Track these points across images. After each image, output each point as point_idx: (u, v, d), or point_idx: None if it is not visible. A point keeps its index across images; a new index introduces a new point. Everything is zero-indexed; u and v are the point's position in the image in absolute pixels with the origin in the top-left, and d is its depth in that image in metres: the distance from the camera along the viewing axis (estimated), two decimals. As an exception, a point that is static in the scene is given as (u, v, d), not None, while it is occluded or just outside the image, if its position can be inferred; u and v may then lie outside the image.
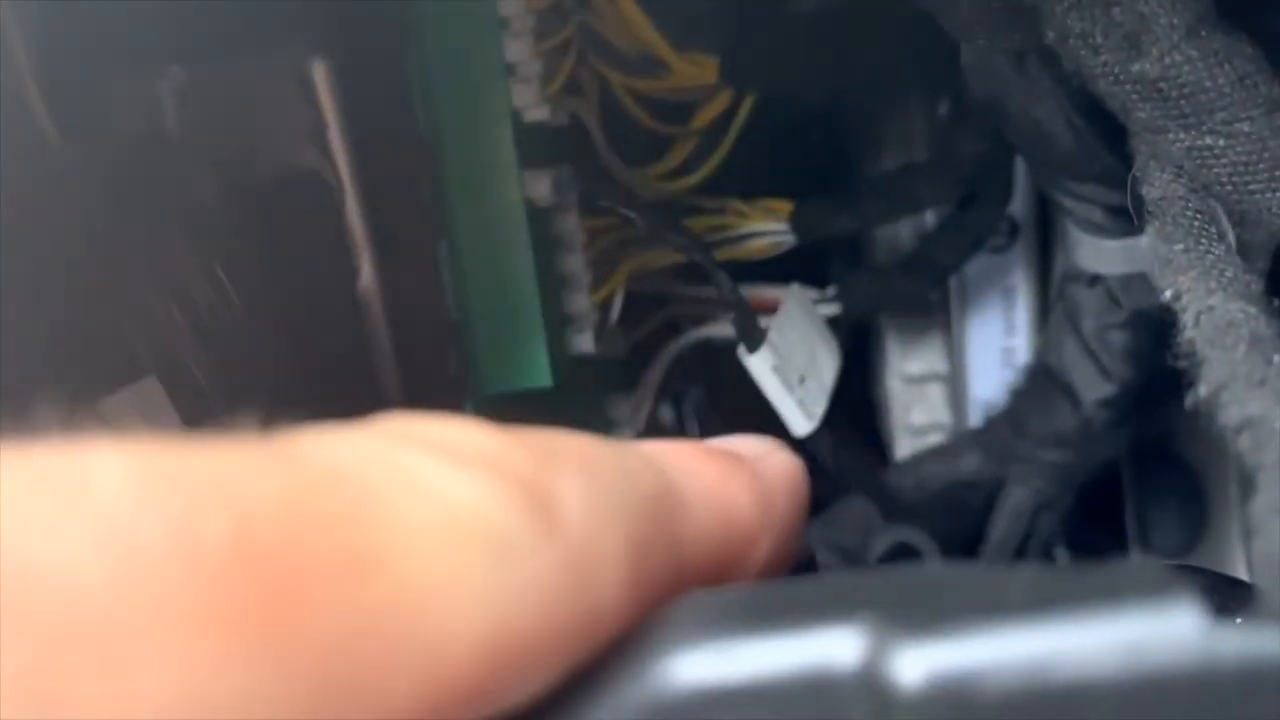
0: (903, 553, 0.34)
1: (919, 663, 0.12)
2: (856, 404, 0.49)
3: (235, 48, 0.30)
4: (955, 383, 0.43)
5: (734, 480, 0.15)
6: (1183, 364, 0.18)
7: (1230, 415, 0.16)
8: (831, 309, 0.38)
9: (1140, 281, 0.31)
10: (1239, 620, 0.12)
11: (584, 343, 0.35)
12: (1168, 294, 0.19)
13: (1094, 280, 0.32)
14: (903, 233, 0.40)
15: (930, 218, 0.39)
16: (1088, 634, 0.12)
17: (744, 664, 0.11)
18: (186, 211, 0.28)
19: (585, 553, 0.12)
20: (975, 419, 0.42)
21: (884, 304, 0.38)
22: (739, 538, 0.15)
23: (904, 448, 0.44)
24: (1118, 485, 0.42)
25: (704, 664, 0.11)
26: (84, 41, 0.27)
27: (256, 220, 0.30)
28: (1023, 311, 0.42)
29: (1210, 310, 0.18)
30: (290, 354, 0.31)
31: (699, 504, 0.14)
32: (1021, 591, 0.12)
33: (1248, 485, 0.15)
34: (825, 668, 0.11)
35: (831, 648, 0.11)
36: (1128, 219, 0.30)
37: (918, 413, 0.44)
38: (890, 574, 0.13)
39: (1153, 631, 0.11)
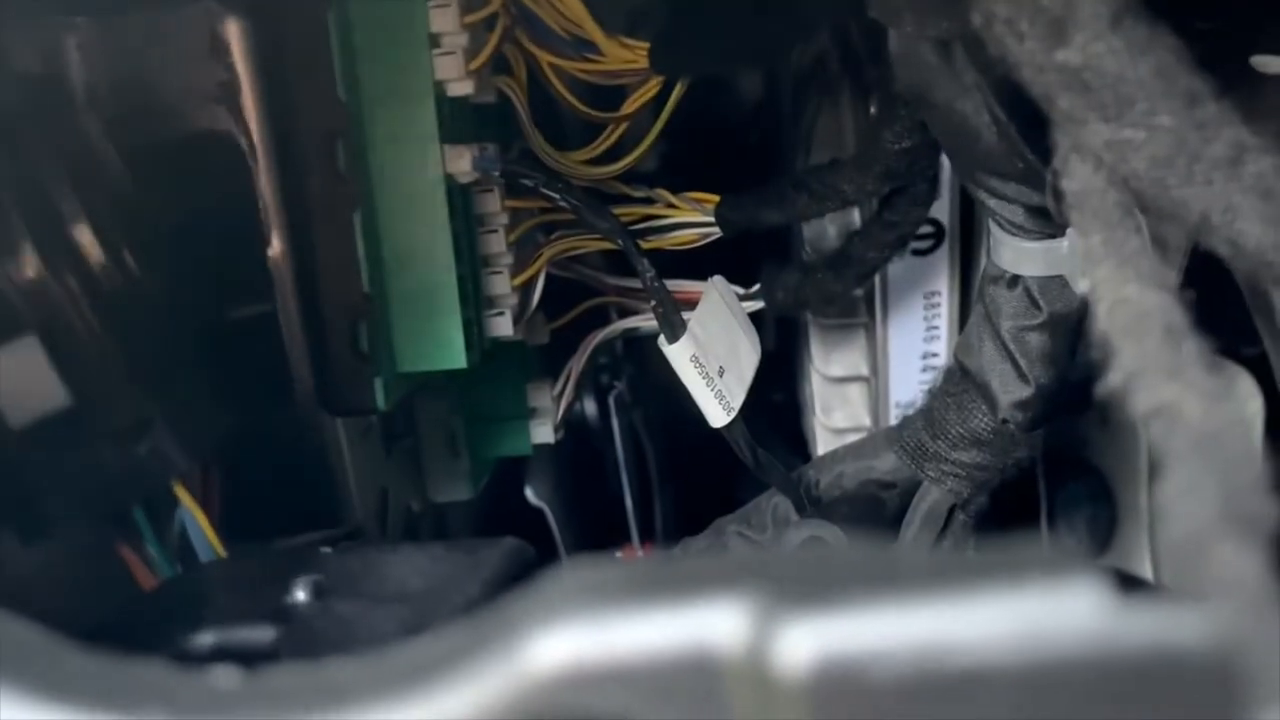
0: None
1: (807, 642, 0.11)
2: (780, 404, 0.49)
3: (146, 0, 0.29)
4: (875, 386, 0.43)
5: None
6: (1095, 355, 0.18)
7: (1142, 403, 0.16)
8: (757, 306, 0.38)
9: (1059, 284, 0.31)
10: (1141, 600, 0.11)
11: (503, 325, 0.35)
12: (1084, 285, 0.19)
13: (1014, 281, 0.32)
14: (830, 231, 0.40)
15: (856, 217, 0.39)
16: (986, 614, 0.11)
17: (613, 640, 0.11)
18: (83, 167, 0.27)
19: None
20: (894, 422, 0.42)
21: (808, 301, 0.38)
22: None
23: (825, 448, 0.44)
24: (1031, 490, 0.42)
25: (571, 640, 0.11)
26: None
27: (161, 181, 0.29)
28: (944, 317, 0.42)
29: (1124, 301, 0.18)
30: (192, 323, 0.30)
31: None
32: (918, 570, 0.12)
33: (1155, 472, 0.15)
34: (702, 645, 0.11)
35: (710, 624, 0.11)
36: (1048, 220, 0.30)
37: (839, 414, 0.44)
38: (781, 550, 0.12)
39: (1053, 611, 0.11)
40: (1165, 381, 0.16)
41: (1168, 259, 0.19)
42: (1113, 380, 0.17)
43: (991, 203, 0.30)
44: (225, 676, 0.15)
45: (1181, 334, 0.17)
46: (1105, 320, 0.18)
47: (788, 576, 0.12)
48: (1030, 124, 0.25)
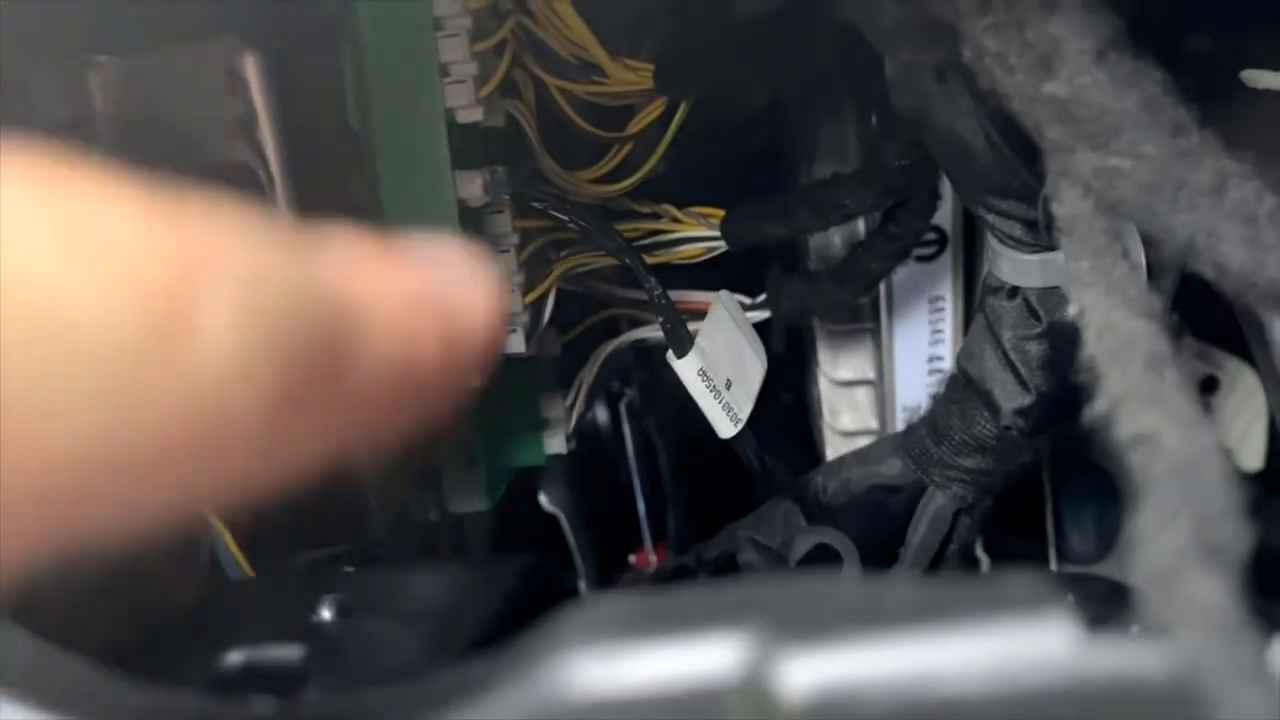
0: (824, 554, 0.35)
1: (803, 674, 0.12)
2: (790, 406, 0.50)
3: (165, 38, 0.30)
4: (881, 389, 0.44)
5: (422, 319, 0.15)
6: (1084, 379, 0.19)
7: (1124, 430, 0.17)
8: (763, 315, 0.39)
9: (1057, 294, 0.32)
10: (1112, 634, 0.12)
11: (515, 343, 0.36)
12: (1073, 309, 0.20)
13: (1014, 292, 0.32)
14: (835, 240, 0.41)
15: (861, 227, 0.40)
16: (965, 648, 0.12)
17: (629, 671, 0.12)
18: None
19: (220, 371, 0.12)
20: (900, 425, 0.43)
21: (813, 310, 0.39)
22: (421, 372, 0.15)
23: (834, 451, 0.45)
24: (1037, 491, 0.43)
25: (590, 670, 0.12)
26: (10, 29, 0.27)
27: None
28: (949, 321, 0.43)
29: (1111, 327, 0.19)
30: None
31: (379, 337, 0.14)
32: (906, 605, 0.13)
33: (1136, 499, 0.16)
34: (709, 676, 0.12)
35: (715, 658, 0.12)
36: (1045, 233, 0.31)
37: (847, 417, 0.45)
38: (779, 583, 0.13)
39: (1025, 646, 0.12)
40: (1146, 409, 0.17)
41: (1155, 284, 0.20)
42: (1098, 406, 0.18)
43: (989, 218, 0.31)
44: (261, 704, 0.16)
45: (1164, 362, 0.17)
46: (1092, 345, 0.19)
47: (785, 611, 0.12)
48: (1026, 145, 0.26)
